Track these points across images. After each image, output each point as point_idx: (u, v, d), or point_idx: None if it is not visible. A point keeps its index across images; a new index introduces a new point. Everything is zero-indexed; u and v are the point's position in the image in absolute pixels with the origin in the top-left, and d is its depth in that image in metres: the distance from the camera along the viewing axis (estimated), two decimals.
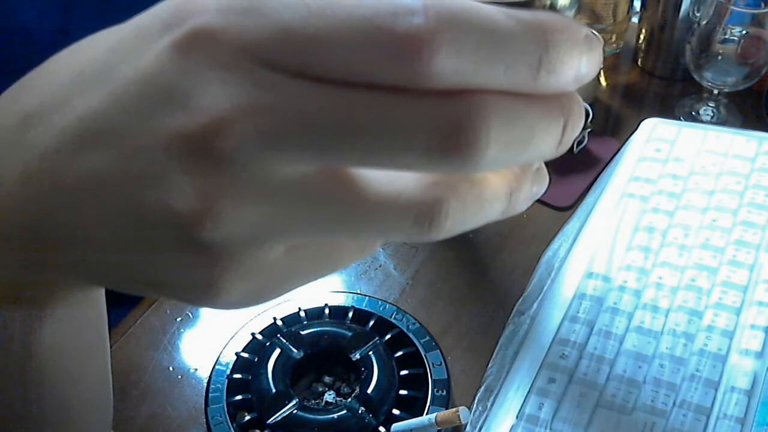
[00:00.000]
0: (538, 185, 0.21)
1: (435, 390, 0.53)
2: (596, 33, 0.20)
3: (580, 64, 0.18)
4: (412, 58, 0.16)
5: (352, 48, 0.17)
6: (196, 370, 0.57)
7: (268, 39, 0.17)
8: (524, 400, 0.52)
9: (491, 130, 0.17)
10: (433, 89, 0.17)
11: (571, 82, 0.18)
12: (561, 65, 0.18)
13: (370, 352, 0.54)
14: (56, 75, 0.21)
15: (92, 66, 0.20)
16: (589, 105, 0.72)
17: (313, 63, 0.17)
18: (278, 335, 0.55)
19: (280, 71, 0.17)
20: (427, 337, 0.56)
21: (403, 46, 0.16)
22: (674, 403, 0.51)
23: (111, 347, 0.32)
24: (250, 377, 0.54)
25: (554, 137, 0.19)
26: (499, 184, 0.20)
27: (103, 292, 0.28)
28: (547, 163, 0.21)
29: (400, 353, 0.55)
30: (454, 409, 0.49)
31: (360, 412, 0.51)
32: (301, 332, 0.56)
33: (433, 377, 0.54)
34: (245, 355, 0.55)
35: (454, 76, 0.17)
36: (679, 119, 0.78)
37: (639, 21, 0.85)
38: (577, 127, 0.19)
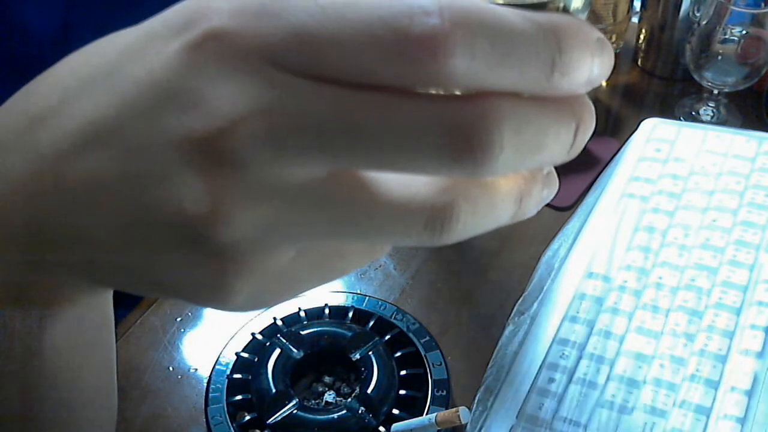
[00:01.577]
0: (548, 189, 0.21)
1: (435, 390, 0.53)
2: None
3: (592, 67, 0.18)
4: (428, 60, 0.16)
5: (367, 49, 0.17)
6: (196, 370, 0.57)
7: (281, 41, 0.17)
8: (524, 400, 0.52)
9: (504, 135, 0.17)
10: (448, 90, 0.17)
11: (584, 85, 0.18)
12: (574, 67, 0.18)
13: (370, 352, 0.54)
14: (65, 78, 0.21)
15: (101, 69, 0.20)
16: None
17: (327, 65, 0.17)
18: (278, 335, 0.55)
19: (293, 73, 0.17)
20: (427, 337, 0.56)
21: (418, 48, 0.16)
22: (674, 403, 0.51)
23: None
24: (250, 377, 0.54)
25: (566, 141, 0.19)
26: (510, 189, 0.20)
27: (111, 292, 0.28)
28: None
29: (400, 353, 0.55)
30: (454, 409, 0.49)
31: (360, 412, 0.51)
32: (301, 332, 0.56)
33: (433, 377, 0.54)
34: (245, 355, 0.55)
35: (469, 77, 0.17)
36: (679, 119, 0.78)
37: (639, 21, 0.85)
38: (588, 131, 0.19)
